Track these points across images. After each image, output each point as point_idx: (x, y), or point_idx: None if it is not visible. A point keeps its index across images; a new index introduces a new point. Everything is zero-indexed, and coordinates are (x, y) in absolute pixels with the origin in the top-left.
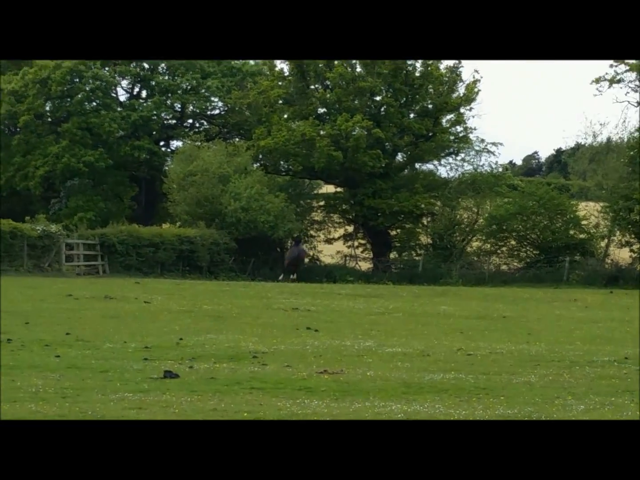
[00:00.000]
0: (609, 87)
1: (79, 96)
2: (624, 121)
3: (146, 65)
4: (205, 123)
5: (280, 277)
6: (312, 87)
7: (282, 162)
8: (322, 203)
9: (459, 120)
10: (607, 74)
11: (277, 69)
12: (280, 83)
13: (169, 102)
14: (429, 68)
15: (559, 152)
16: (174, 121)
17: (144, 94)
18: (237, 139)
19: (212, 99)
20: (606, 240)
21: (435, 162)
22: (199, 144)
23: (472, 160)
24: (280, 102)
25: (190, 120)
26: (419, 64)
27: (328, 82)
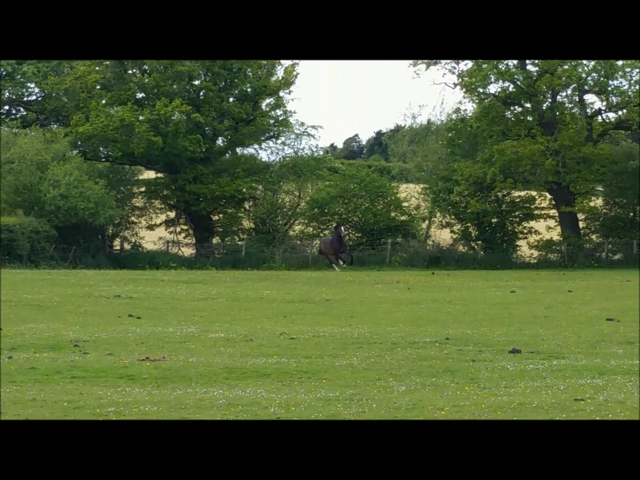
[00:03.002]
0: (426, 69)
1: None
2: (442, 103)
3: None
4: (22, 109)
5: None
6: (130, 71)
7: (101, 148)
8: (142, 189)
9: (279, 103)
10: None
11: None
12: (97, 68)
13: None
14: None
15: (379, 134)
16: None
17: None
18: (54, 126)
19: (28, 84)
20: (427, 222)
21: (256, 146)
22: (16, 130)
23: (292, 143)
24: (98, 87)
25: (7, 107)
26: None
27: (146, 67)
